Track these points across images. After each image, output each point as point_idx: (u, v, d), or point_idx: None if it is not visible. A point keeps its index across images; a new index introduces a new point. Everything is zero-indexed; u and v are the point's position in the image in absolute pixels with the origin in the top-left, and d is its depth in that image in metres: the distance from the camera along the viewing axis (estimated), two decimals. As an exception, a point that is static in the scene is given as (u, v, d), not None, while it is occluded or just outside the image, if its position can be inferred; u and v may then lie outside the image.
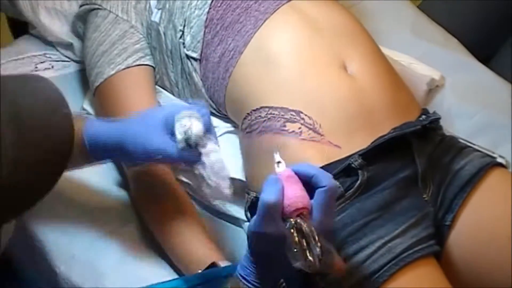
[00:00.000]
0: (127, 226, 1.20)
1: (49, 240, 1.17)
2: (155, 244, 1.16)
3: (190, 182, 1.22)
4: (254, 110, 1.08)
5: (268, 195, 0.82)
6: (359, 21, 1.21)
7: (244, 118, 1.11)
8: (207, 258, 1.06)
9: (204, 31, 1.19)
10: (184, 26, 1.21)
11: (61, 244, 1.17)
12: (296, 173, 0.86)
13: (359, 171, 1.01)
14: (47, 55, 1.49)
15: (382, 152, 1.03)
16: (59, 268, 1.15)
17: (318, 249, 0.79)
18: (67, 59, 1.49)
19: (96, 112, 1.34)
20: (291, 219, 0.82)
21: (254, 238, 0.85)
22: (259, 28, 1.14)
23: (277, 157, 0.88)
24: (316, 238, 0.80)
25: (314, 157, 1.02)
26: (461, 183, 1.09)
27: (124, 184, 1.25)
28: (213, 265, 1.04)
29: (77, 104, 1.39)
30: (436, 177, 1.09)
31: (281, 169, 0.87)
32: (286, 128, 1.04)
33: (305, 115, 1.04)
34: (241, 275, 0.88)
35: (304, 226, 0.81)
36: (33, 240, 1.19)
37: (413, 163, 1.06)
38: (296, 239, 0.80)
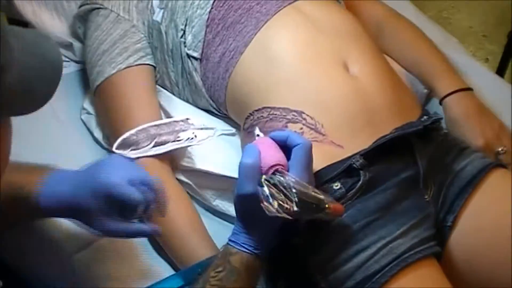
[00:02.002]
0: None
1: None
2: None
3: (190, 182, 1.21)
4: (256, 111, 1.08)
5: (245, 158, 0.91)
6: (361, 22, 1.21)
7: (246, 118, 1.11)
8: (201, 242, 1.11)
9: (206, 31, 1.19)
10: (185, 25, 1.21)
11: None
12: (273, 140, 0.95)
13: (361, 172, 1.00)
14: (47, 56, 1.48)
15: (383, 153, 1.03)
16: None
17: (295, 197, 0.87)
18: (66, 59, 1.49)
19: (96, 111, 1.34)
20: (264, 175, 0.90)
21: (238, 200, 0.93)
22: (260, 29, 1.14)
23: (257, 131, 0.98)
24: (291, 185, 0.88)
25: (316, 157, 1.02)
26: (462, 184, 1.10)
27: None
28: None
29: (77, 104, 1.39)
30: (437, 178, 1.09)
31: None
32: (287, 129, 1.04)
33: (307, 115, 1.04)
34: (231, 241, 0.94)
35: (276, 177, 0.89)
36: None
37: (414, 163, 1.06)
38: (267, 191, 0.88)
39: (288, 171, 0.92)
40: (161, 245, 1.15)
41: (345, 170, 1.01)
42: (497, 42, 2.37)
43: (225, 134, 1.22)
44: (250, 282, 0.94)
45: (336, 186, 1.00)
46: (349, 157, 1.02)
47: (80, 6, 1.35)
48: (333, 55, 1.10)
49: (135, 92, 1.22)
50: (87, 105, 1.36)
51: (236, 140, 1.22)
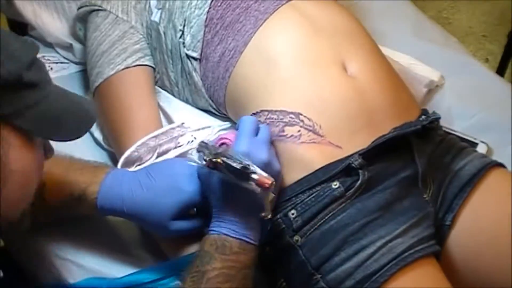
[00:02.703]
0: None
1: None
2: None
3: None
4: (254, 114, 1.08)
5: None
6: (359, 21, 1.21)
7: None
8: None
9: (204, 31, 1.19)
10: (184, 26, 1.21)
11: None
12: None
13: (360, 171, 1.00)
14: (46, 58, 1.49)
15: (382, 152, 1.03)
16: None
17: (215, 154, 0.93)
18: (66, 61, 1.49)
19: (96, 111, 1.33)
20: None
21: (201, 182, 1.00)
22: (259, 28, 1.14)
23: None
24: (224, 154, 0.93)
25: (315, 158, 1.02)
26: (461, 183, 1.10)
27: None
28: None
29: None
30: (436, 177, 1.09)
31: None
32: (284, 134, 1.04)
33: (305, 116, 1.04)
34: (212, 230, 0.97)
35: (214, 147, 0.97)
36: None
37: (413, 163, 1.06)
38: (209, 159, 0.94)
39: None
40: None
41: (344, 169, 1.01)
42: (497, 42, 2.37)
43: (223, 130, 1.22)
44: (225, 265, 0.95)
45: (335, 185, 1.00)
46: (348, 157, 1.02)
47: (79, 8, 1.36)
48: (331, 54, 1.10)
49: (134, 92, 1.22)
50: (87, 104, 1.36)
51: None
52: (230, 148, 0.97)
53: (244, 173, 0.92)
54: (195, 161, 0.98)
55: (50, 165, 0.93)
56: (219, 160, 0.93)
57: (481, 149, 1.31)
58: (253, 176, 0.93)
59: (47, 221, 1.12)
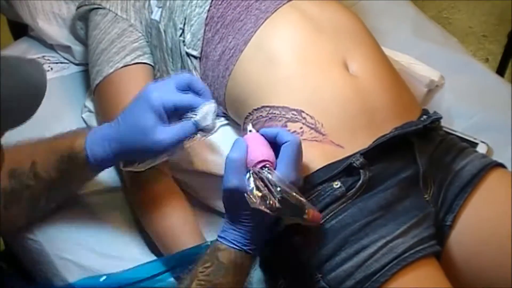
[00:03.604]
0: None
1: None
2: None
3: (190, 182, 1.22)
4: (255, 110, 1.08)
5: (232, 152, 0.93)
6: (361, 21, 1.21)
7: (246, 118, 1.11)
8: (193, 241, 1.11)
9: (205, 29, 1.19)
10: (184, 24, 1.21)
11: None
12: (264, 136, 0.97)
13: (361, 171, 1.00)
14: (46, 57, 1.49)
15: (383, 152, 1.03)
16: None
17: (277, 194, 0.89)
18: (66, 61, 1.49)
19: (96, 110, 1.34)
20: (250, 168, 0.92)
21: (224, 195, 0.94)
22: (260, 27, 1.14)
23: (250, 127, 0.99)
24: (276, 182, 0.90)
25: (316, 157, 1.02)
26: (461, 183, 1.09)
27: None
28: None
29: (77, 105, 1.39)
30: (437, 177, 1.09)
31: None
32: (287, 128, 1.04)
33: (307, 114, 1.04)
34: (220, 237, 0.96)
35: (263, 172, 0.91)
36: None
37: (414, 163, 1.06)
38: (252, 183, 0.90)
39: (275, 168, 0.93)
40: (147, 230, 1.17)
41: (345, 169, 1.01)
42: (497, 42, 2.37)
43: (222, 125, 1.22)
44: (238, 279, 0.96)
45: (336, 184, 1.00)
46: (349, 156, 1.01)
47: (79, 7, 1.36)
48: (332, 53, 1.10)
49: (133, 90, 1.21)
50: (88, 103, 1.36)
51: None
52: (274, 172, 0.92)
53: (300, 211, 0.92)
54: (253, 202, 0.90)
55: (35, 143, 0.99)
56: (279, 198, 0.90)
57: (481, 149, 1.31)
58: (307, 211, 0.92)
59: (49, 206, 1.14)
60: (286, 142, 0.95)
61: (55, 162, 1.07)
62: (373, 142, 1.03)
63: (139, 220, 1.20)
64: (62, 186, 1.11)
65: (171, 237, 1.13)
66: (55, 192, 1.11)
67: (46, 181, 1.07)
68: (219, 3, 1.18)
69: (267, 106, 1.07)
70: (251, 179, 0.91)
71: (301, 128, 1.04)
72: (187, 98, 1.05)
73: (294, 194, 0.91)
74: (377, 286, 0.95)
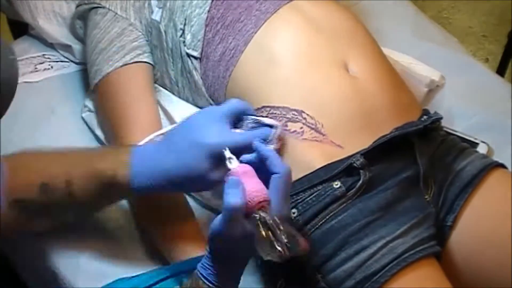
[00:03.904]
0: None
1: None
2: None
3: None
4: (255, 110, 1.08)
5: (232, 198, 0.84)
6: (361, 21, 1.21)
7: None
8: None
9: (205, 30, 1.18)
10: (184, 25, 1.21)
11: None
12: (250, 163, 0.89)
13: (361, 171, 1.00)
14: (46, 56, 1.48)
15: (384, 152, 1.03)
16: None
17: (284, 238, 0.82)
18: (66, 60, 1.49)
19: (95, 109, 1.34)
20: (255, 215, 0.84)
21: (219, 239, 0.87)
22: (260, 28, 1.14)
23: (228, 153, 0.90)
24: (281, 227, 0.82)
25: (316, 157, 1.02)
26: (462, 184, 1.10)
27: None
28: None
29: (77, 104, 1.39)
30: (437, 178, 1.09)
31: (234, 165, 0.89)
32: (287, 128, 1.04)
33: (307, 114, 1.04)
34: (202, 274, 0.90)
35: (267, 218, 0.83)
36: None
37: (415, 163, 1.06)
38: (263, 233, 0.82)
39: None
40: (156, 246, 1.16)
41: (345, 169, 1.01)
42: (497, 42, 2.37)
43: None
44: None
45: (336, 184, 1.00)
46: (350, 156, 1.01)
47: (78, 6, 1.36)
48: (332, 54, 1.10)
49: (132, 89, 1.22)
50: (88, 102, 1.36)
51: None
52: (269, 211, 0.85)
53: (295, 243, 0.84)
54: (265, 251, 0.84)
55: (70, 159, 0.91)
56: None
57: (481, 149, 1.31)
58: (299, 242, 0.85)
59: (75, 221, 1.10)
60: (276, 173, 0.88)
61: (95, 188, 1.00)
62: (374, 142, 1.03)
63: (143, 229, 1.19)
64: (95, 208, 1.10)
65: (174, 245, 1.11)
66: (86, 211, 1.10)
67: (81, 202, 1.03)
68: (220, 3, 1.18)
69: (268, 106, 1.07)
70: (260, 228, 0.82)
71: (301, 128, 1.04)
72: (250, 136, 0.98)
73: (290, 230, 0.84)
74: (377, 286, 0.95)
